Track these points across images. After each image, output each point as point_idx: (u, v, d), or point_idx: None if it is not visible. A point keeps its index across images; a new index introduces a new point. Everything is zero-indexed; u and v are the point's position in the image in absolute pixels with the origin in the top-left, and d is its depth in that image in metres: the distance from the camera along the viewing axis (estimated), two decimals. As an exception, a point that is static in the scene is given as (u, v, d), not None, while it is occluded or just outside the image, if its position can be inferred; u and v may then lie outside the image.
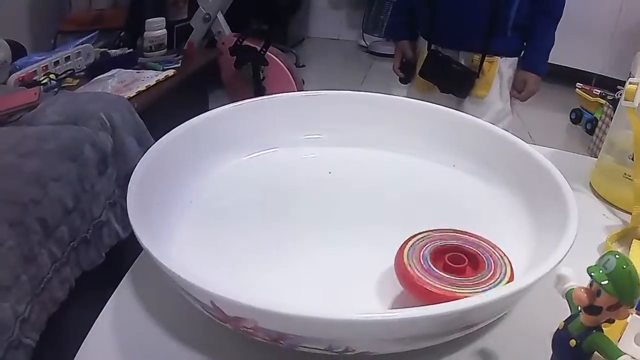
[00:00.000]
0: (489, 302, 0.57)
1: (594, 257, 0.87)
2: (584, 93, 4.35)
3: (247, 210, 0.88)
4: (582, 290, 0.49)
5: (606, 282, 0.47)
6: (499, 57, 2.35)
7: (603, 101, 4.08)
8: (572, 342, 0.51)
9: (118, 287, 0.76)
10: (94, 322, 0.71)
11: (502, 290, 0.59)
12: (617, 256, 0.47)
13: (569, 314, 0.55)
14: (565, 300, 0.55)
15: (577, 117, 4.51)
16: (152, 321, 0.70)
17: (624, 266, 0.46)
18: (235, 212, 0.88)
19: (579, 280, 0.53)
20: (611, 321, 0.50)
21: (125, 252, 1.65)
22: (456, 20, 2.31)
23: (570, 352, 0.51)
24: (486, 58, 2.33)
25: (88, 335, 0.69)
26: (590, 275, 0.48)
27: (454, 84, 2.40)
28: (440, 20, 2.35)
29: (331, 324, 0.54)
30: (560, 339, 0.53)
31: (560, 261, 0.63)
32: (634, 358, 0.47)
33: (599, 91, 4.26)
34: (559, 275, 0.54)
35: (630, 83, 0.93)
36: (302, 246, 0.81)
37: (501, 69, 2.38)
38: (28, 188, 1.42)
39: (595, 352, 0.50)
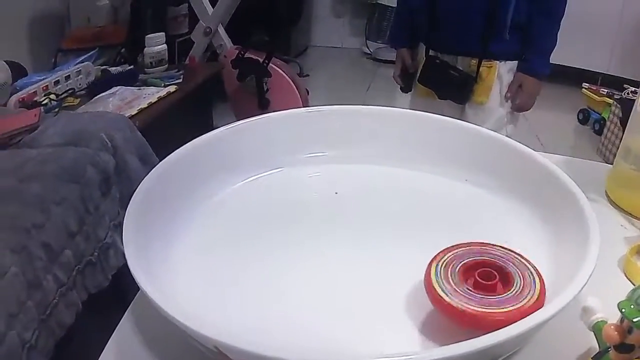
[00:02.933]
0: (510, 337, 0.53)
1: (613, 272, 0.85)
2: (590, 93, 4.34)
3: (252, 235, 0.85)
4: (613, 327, 0.45)
5: (639, 318, 0.43)
6: (498, 61, 2.32)
7: (610, 100, 4.06)
8: (603, 382, 0.48)
9: (119, 324, 0.73)
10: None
11: (516, 328, 0.54)
12: (650, 289, 0.43)
13: (590, 338, 0.51)
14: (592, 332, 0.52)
15: (584, 117, 4.49)
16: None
17: (659, 300, 0.42)
18: (240, 239, 0.84)
19: (605, 310, 0.50)
20: (644, 357, 0.46)
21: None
22: (453, 25, 2.29)
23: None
24: (484, 62, 2.31)
25: None
26: (621, 312, 0.44)
27: (451, 90, 2.38)
28: (437, 25, 2.34)
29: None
30: (590, 377, 0.50)
31: (582, 287, 0.59)
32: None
33: (606, 91, 4.24)
34: (585, 307, 0.51)
35: (648, 88, 0.89)
36: (315, 272, 0.77)
37: (500, 73, 2.35)
38: (30, 213, 1.40)
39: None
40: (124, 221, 0.70)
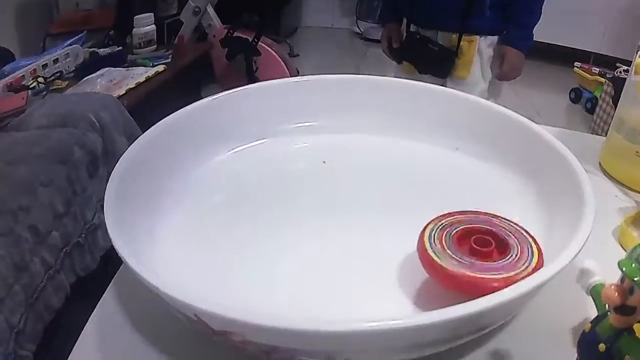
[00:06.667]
0: (504, 301, 0.52)
1: (608, 242, 0.84)
2: (582, 72, 4.32)
3: (236, 208, 0.84)
4: (613, 287, 0.43)
5: (641, 278, 0.41)
6: (478, 37, 2.35)
7: (602, 79, 4.05)
8: (602, 347, 0.45)
9: (102, 297, 0.72)
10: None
11: (515, 289, 0.53)
12: (652, 247, 0.41)
13: (590, 307, 0.49)
14: (590, 297, 0.50)
15: (576, 96, 4.48)
16: (138, 334, 0.66)
17: (661, 259, 0.40)
18: (224, 211, 0.83)
19: (604, 273, 0.48)
20: (644, 321, 0.44)
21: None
22: (433, 1, 2.33)
23: (600, 358, 0.46)
24: (465, 37, 2.34)
25: (72, 350, 0.65)
26: (622, 270, 0.42)
27: (431, 64, 2.42)
28: (418, 1, 2.37)
29: (323, 335, 0.50)
30: (587, 343, 0.47)
31: (579, 251, 0.57)
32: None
33: (598, 69, 4.23)
34: (582, 269, 0.49)
35: (640, 57, 0.88)
36: (300, 244, 0.76)
37: (481, 48, 2.38)
38: (17, 195, 1.39)
39: (627, 357, 0.45)
40: (106, 192, 0.69)
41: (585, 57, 4.70)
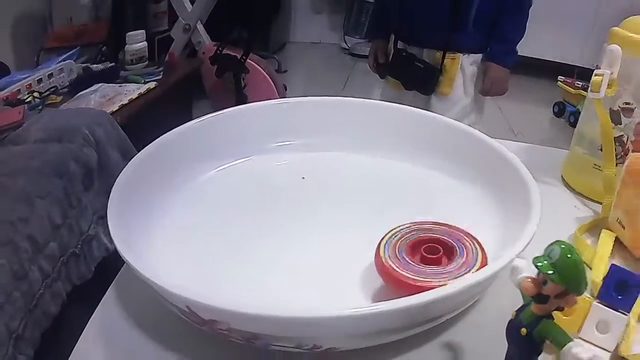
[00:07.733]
0: (451, 293, 0.61)
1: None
2: (566, 86, 4.37)
3: (225, 218, 0.92)
4: (529, 280, 0.52)
5: (551, 271, 0.49)
6: (461, 54, 2.38)
7: (585, 93, 4.04)
8: (523, 331, 0.54)
9: (104, 298, 0.79)
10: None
11: (460, 283, 0.63)
12: (562, 246, 0.49)
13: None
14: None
15: (560, 110, 4.52)
16: (138, 330, 0.73)
17: (568, 255, 0.49)
18: (214, 221, 0.91)
19: (533, 271, 0.56)
20: (561, 309, 0.52)
21: (118, 263, 1.63)
22: (419, 17, 2.36)
23: (523, 341, 0.54)
24: (448, 55, 2.36)
25: (76, 345, 0.72)
26: (536, 266, 0.50)
27: (416, 81, 2.44)
28: (405, 17, 2.40)
29: (293, 321, 0.58)
30: (512, 328, 0.56)
31: (520, 252, 0.67)
32: (584, 342, 0.50)
33: (581, 83, 4.27)
34: (513, 266, 0.57)
35: (596, 75, 0.94)
36: (282, 248, 0.85)
37: (463, 66, 2.41)
38: (16, 206, 1.42)
39: (546, 340, 0.53)
40: (108, 203, 0.76)
41: (569, 70, 4.73)
